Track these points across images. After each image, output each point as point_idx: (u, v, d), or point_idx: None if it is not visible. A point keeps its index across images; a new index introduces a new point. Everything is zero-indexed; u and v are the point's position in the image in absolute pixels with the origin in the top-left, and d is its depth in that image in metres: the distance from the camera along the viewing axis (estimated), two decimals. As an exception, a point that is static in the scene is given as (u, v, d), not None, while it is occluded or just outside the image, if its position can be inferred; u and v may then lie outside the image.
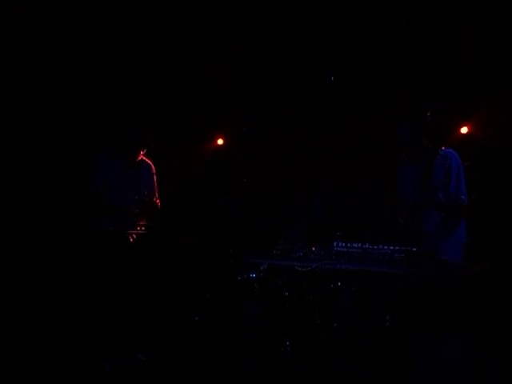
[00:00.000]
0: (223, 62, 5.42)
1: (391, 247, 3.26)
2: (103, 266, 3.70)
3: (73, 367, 3.44)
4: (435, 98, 4.07)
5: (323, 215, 4.53)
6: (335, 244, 3.38)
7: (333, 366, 3.17)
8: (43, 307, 3.95)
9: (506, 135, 5.06)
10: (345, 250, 3.36)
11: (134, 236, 3.81)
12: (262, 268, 3.48)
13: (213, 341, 3.50)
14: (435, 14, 4.82)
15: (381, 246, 3.29)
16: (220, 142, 6.18)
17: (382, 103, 5.27)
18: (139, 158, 4.18)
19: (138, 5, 4.93)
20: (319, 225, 4.04)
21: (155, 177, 4.31)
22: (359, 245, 3.34)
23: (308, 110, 5.62)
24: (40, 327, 3.80)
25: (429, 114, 3.63)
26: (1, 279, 4.20)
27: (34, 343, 3.67)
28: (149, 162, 4.28)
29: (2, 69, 4.53)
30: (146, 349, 3.62)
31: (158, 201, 4.29)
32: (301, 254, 3.52)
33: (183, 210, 5.38)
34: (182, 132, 5.85)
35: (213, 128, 6.21)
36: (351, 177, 5.28)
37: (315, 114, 5.60)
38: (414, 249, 3.21)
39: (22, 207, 4.65)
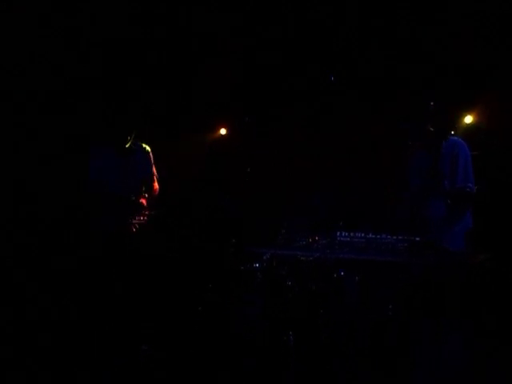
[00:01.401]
0: (223, 61, 5.42)
1: (394, 237, 3.26)
2: (103, 265, 3.70)
3: (73, 367, 3.44)
4: (435, 98, 4.07)
5: (323, 215, 4.52)
6: (338, 234, 3.38)
7: (333, 366, 3.17)
8: (43, 307, 3.95)
9: (506, 135, 5.06)
10: (348, 239, 3.35)
11: (136, 226, 3.78)
12: (265, 257, 3.48)
13: (213, 341, 3.50)
14: (435, 13, 4.82)
15: (384, 236, 3.28)
16: (222, 131, 6.22)
17: (382, 103, 5.26)
18: (129, 146, 4.11)
19: (138, 5, 4.93)
20: (323, 215, 4.04)
21: (152, 159, 4.25)
22: (362, 234, 3.33)
23: (308, 110, 5.62)
24: (40, 327, 3.80)
25: (431, 104, 3.63)
26: (1, 279, 4.20)
27: (33, 343, 3.67)
28: (145, 146, 4.22)
29: (2, 69, 4.53)
30: (145, 348, 3.62)
31: (156, 184, 4.27)
32: (304, 243, 3.51)
33: (183, 209, 5.38)
34: (181, 132, 5.86)
35: (213, 128, 6.22)
36: (351, 177, 5.28)
37: (315, 113, 5.60)
38: (417, 238, 3.21)
39: (22, 207, 4.64)
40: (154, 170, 4.27)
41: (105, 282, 3.65)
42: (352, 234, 3.35)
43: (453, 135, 3.79)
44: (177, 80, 5.63)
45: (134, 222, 3.78)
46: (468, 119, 5.37)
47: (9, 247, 4.43)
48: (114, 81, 5.16)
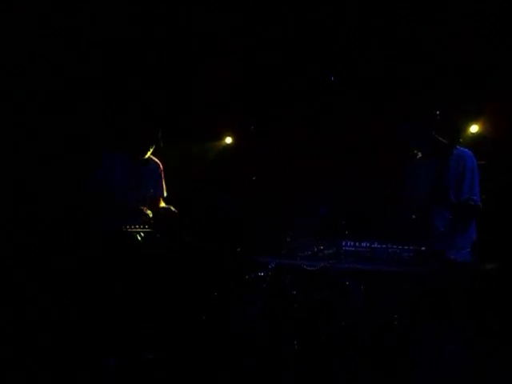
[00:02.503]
0: (223, 61, 5.42)
1: (400, 247, 3.25)
2: (103, 265, 3.70)
3: (73, 367, 3.44)
4: (435, 98, 4.07)
5: (324, 216, 4.52)
6: (343, 243, 3.36)
7: (333, 366, 3.17)
8: (43, 307, 3.95)
9: (506, 135, 5.06)
10: (353, 249, 3.34)
11: (143, 234, 3.78)
12: (270, 267, 3.47)
13: (213, 341, 3.50)
14: (435, 13, 4.82)
15: (389, 246, 3.27)
16: (228, 140, 6.24)
17: (382, 103, 5.26)
18: (147, 157, 4.16)
19: (138, 5, 4.93)
20: (327, 224, 4.04)
21: (163, 176, 4.29)
22: (368, 244, 3.32)
23: (308, 110, 5.62)
24: (40, 327, 3.80)
25: (437, 112, 3.61)
26: (1, 279, 4.20)
27: (33, 343, 3.67)
28: (156, 161, 4.27)
29: (2, 69, 4.53)
30: (145, 348, 3.62)
31: (161, 199, 4.29)
32: (309, 252, 3.51)
33: (183, 209, 5.38)
34: (181, 132, 5.86)
35: (213, 128, 6.22)
36: (351, 177, 5.28)
37: (315, 113, 5.60)
38: (423, 248, 3.20)
39: (22, 207, 4.64)
40: (164, 188, 4.29)
41: (105, 282, 3.65)
42: (357, 244, 3.33)
43: (460, 145, 3.74)
44: (177, 80, 5.63)
45: (134, 230, 3.76)
46: (474, 128, 5.36)
47: (9, 247, 4.43)
48: (114, 81, 5.16)
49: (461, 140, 3.88)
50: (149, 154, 4.14)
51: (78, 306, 3.78)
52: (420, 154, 3.83)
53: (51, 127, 4.81)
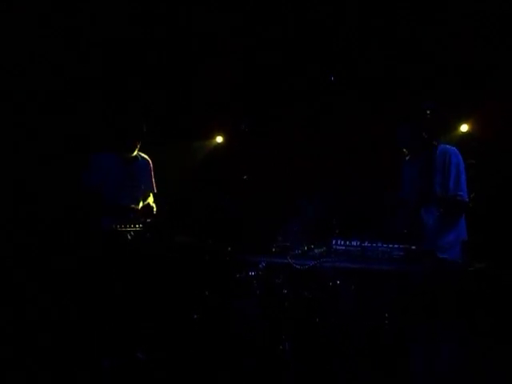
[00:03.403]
0: (223, 61, 5.42)
1: (390, 245, 3.25)
2: (103, 265, 3.70)
3: (73, 367, 3.44)
4: (435, 98, 4.07)
5: (323, 215, 4.52)
6: (334, 242, 3.37)
7: (333, 366, 3.18)
8: (43, 307, 3.96)
9: (506, 135, 5.06)
10: (343, 248, 3.34)
11: (133, 234, 3.78)
12: (260, 266, 3.48)
13: (213, 341, 3.50)
14: (435, 13, 4.82)
15: (380, 244, 3.27)
16: (219, 139, 6.23)
17: (382, 103, 5.27)
18: (135, 154, 4.15)
19: (138, 5, 4.93)
20: (318, 223, 4.04)
21: (152, 172, 4.27)
22: (358, 243, 3.32)
23: (308, 110, 5.62)
24: (40, 327, 3.81)
25: (428, 112, 3.61)
26: (1, 279, 4.20)
27: (33, 343, 3.67)
28: (145, 157, 4.26)
29: (2, 69, 4.53)
30: (145, 348, 3.62)
31: (150, 195, 4.28)
32: (299, 251, 3.51)
33: (183, 209, 5.38)
34: (181, 132, 5.86)
35: (213, 128, 6.22)
36: (351, 177, 5.28)
37: (315, 113, 5.60)
38: (413, 247, 3.20)
39: (22, 207, 4.65)
40: (154, 183, 4.28)
41: (105, 281, 3.65)
42: (348, 243, 3.34)
43: (446, 143, 3.77)
44: (177, 80, 5.63)
45: (131, 230, 3.76)
46: (464, 127, 5.38)
47: (9, 247, 4.43)
48: (113, 81, 5.16)
49: (445, 138, 3.88)
50: (136, 150, 4.12)
51: (77, 306, 3.78)
52: (408, 157, 3.86)
53: (51, 127, 4.81)
